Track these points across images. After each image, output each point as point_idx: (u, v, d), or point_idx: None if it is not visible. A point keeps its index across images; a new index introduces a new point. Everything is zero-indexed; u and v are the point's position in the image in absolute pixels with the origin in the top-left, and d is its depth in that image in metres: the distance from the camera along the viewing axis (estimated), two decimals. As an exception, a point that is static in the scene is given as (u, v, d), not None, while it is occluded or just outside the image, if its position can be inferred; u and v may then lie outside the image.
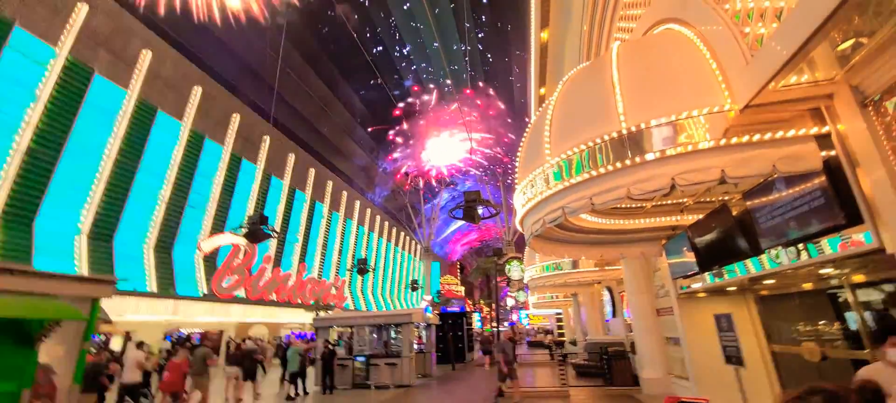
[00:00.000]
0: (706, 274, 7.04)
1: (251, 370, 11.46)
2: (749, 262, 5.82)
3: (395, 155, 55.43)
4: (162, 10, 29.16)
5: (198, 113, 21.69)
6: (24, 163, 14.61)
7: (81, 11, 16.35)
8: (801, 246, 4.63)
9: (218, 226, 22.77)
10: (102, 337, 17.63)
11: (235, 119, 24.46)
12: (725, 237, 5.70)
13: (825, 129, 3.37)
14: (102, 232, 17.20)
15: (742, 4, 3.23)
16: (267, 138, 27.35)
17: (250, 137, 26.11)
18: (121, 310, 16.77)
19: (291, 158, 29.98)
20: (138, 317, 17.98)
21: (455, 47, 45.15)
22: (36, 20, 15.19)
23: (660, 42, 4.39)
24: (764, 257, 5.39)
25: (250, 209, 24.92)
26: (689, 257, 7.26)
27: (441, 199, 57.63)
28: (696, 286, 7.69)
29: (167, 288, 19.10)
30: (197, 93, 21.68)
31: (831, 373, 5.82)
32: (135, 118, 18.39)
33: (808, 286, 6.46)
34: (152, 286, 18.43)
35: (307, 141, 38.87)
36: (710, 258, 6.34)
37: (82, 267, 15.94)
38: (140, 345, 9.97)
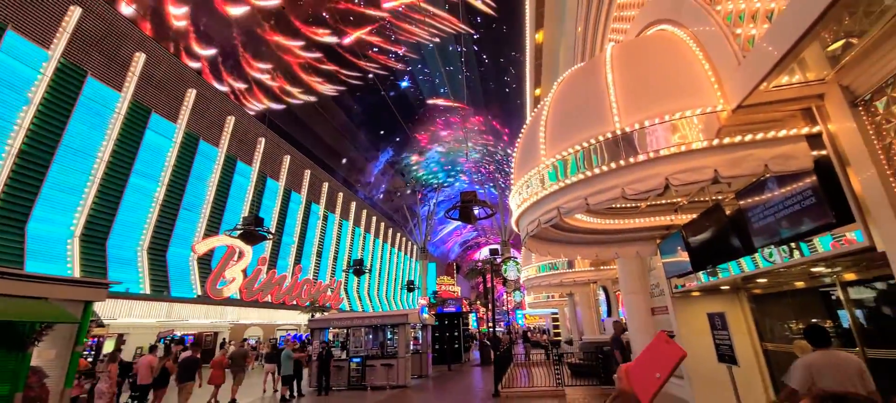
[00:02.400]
0: (700, 273, 7.09)
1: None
2: (742, 261, 5.87)
3: (391, 157, 55.37)
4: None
5: (192, 115, 21.56)
6: (16, 166, 14.45)
7: (75, 14, 16.21)
8: (793, 244, 4.68)
9: (213, 228, 22.63)
10: (87, 341, 17.56)
11: (230, 121, 24.33)
12: (719, 236, 5.74)
13: (816, 129, 3.41)
14: (95, 235, 17.04)
15: (734, 5, 3.26)
16: (262, 140, 27.24)
17: (245, 139, 25.99)
18: (114, 313, 16.62)
19: (287, 160, 29.87)
20: (132, 320, 17.82)
21: (451, 48, 45.19)
22: (29, 23, 15.04)
23: (653, 43, 4.43)
24: (757, 256, 5.44)
25: (245, 211, 24.79)
26: (684, 256, 7.30)
27: (437, 199, 57.57)
28: (690, 285, 7.75)
29: (161, 290, 18.95)
30: (191, 95, 21.55)
31: (823, 371, 5.88)
32: (128, 120, 18.25)
33: (800, 284, 6.53)
34: (146, 288, 18.28)
35: (303, 142, 38.77)
36: (704, 257, 6.38)
37: (75, 271, 15.78)
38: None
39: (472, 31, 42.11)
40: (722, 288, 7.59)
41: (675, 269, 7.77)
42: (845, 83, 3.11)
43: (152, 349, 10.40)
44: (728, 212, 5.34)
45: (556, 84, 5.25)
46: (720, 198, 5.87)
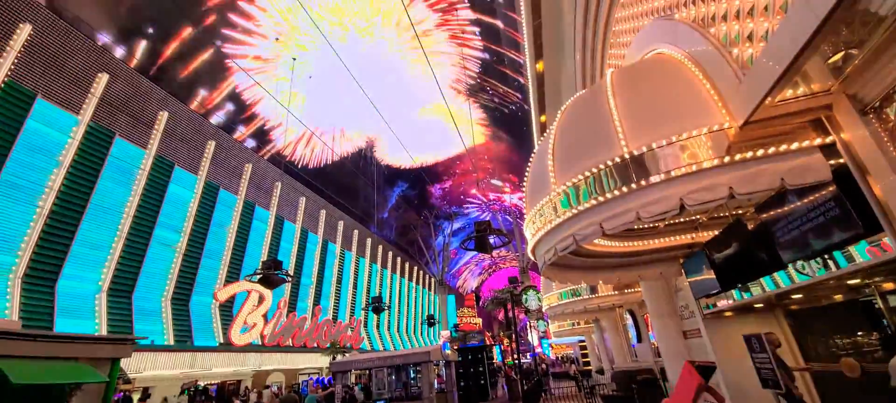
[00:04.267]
0: (731, 291, 6.80)
1: None
2: (777, 276, 5.62)
3: (404, 190, 55.98)
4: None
5: (212, 165, 22.47)
6: (47, 226, 15.14)
7: (102, 80, 17.42)
8: (826, 256, 4.48)
9: (233, 274, 23.00)
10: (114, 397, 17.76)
11: (248, 168, 25.22)
12: (744, 252, 5.55)
13: (829, 139, 3.35)
14: (122, 289, 17.50)
15: (727, 28, 3.32)
16: (278, 184, 28.03)
17: (262, 185, 26.79)
18: (139, 367, 16.78)
19: (303, 201, 30.53)
20: (156, 372, 17.93)
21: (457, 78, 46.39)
22: (58, 90, 16.16)
23: (652, 66, 4.49)
24: (791, 271, 5.22)
25: (264, 255, 25.19)
26: (710, 275, 7.05)
27: (451, 228, 57.49)
28: (721, 305, 7.41)
29: (185, 340, 19.13)
30: (211, 146, 22.55)
31: (875, 390, 5.47)
32: (153, 175, 19.12)
33: (838, 297, 6.18)
34: (170, 339, 18.49)
35: (316, 182, 39.70)
36: (732, 275, 6.14)
37: (102, 325, 16.13)
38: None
39: (479, 60, 43.21)
40: (755, 306, 7.24)
41: (702, 289, 7.47)
42: (852, 92, 3.07)
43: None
44: (750, 227, 5.18)
45: (560, 112, 5.33)
46: (740, 212, 5.72)
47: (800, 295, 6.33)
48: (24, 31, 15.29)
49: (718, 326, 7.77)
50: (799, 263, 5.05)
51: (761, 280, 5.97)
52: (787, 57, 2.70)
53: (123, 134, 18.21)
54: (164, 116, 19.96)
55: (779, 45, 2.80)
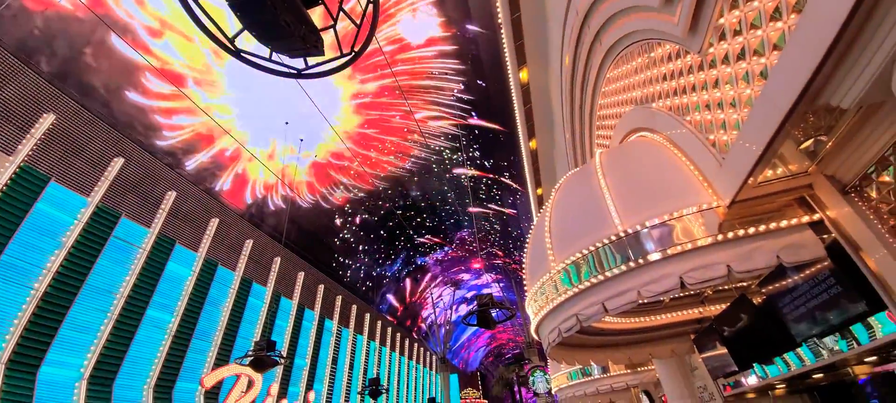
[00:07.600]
0: (749, 371, 6.46)
1: None
2: (801, 352, 5.38)
3: (404, 260, 55.33)
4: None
5: (213, 242, 22.47)
6: (38, 309, 14.71)
7: (117, 164, 18.14)
8: (838, 335, 4.34)
9: (223, 357, 21.83)
10: None
11: (248, 244, 25.19)
12: (755, 328, 5.39)
13: (816, 217, 3.45)
14: (104, 376, 16.50)
15: (701, 116, 3.59)
16: (277, 259, 27.79)
17: (261, 260, 26.55)
18: (111, 466, 15.22)
19: (301, 276, 30.04)
20: (129, 473, 16.22)
21: (455, 156, 48.26)
22: (72, 174, 16.71)
23: (637, 148, 4.76)
24: (816, 347, 5.01)
25: (257, 334, 24.16)
26: (723, 351, 6.76)
27: (451, 299, 55.86)
28: (745, 383, 6.98)
29: (165, 433, 17.58)
30: (214, 224, 22.75)
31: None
32: (153, 253, 19.02)
33: (862, 370, 5.86)
34: (148, 433, 17.00)
35: (316, 255, 39.36)
36: (747, 353, 5.89)
37: (78, 418, 14.94)
38: None
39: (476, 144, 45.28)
40: (778, 386, 6.82)
41: (719, 368, 7.11)
42: (830, 173, 3.24)
43: None
44: (756, 303, 5.09)
45: (553, 191, 5.51)
46: (745, 285, 5.66)
47: (821, 375, 6.00)
48: (46, 121, 16.24)
49: (741, 409, 7.25)
50: (817, 340, 4.87)
51: (785, 356, 5.72)
52: (762, 142, 2.89)
53: (129, 214, 18.48)
54: (171, 196, 20.42)
55: (753, 131, 3.01)
